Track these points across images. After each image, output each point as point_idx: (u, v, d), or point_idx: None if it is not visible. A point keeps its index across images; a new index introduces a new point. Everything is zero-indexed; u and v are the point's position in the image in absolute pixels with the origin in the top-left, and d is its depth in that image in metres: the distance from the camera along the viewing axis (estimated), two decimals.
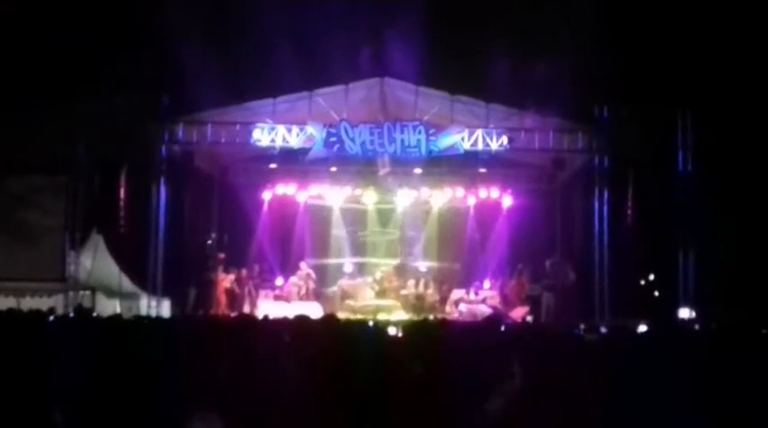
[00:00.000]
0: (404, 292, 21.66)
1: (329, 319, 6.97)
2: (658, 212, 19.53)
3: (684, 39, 19.87)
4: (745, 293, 18.58)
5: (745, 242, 19.54)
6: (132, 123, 18.65)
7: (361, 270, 22.94)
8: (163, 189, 19.18)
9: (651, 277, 21.04)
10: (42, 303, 17.81)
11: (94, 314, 15.86)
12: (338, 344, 5.73)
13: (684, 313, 18.67)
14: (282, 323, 7.73)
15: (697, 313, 18.43)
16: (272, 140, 19.29)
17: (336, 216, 23.14)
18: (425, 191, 22.47)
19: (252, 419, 5.27)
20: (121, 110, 18.34)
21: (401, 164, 20.49)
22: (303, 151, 19.51)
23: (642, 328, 13.55)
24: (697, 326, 16.14)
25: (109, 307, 18.76)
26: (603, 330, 14.42)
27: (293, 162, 20.49)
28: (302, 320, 6.77)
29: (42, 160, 19.18)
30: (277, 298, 21.13)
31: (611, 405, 5.32)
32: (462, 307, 20.82)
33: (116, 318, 11.75)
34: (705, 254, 18.96)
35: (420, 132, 19.19)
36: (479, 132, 19.18)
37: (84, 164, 19.09)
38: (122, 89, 18.55)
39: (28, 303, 17.81)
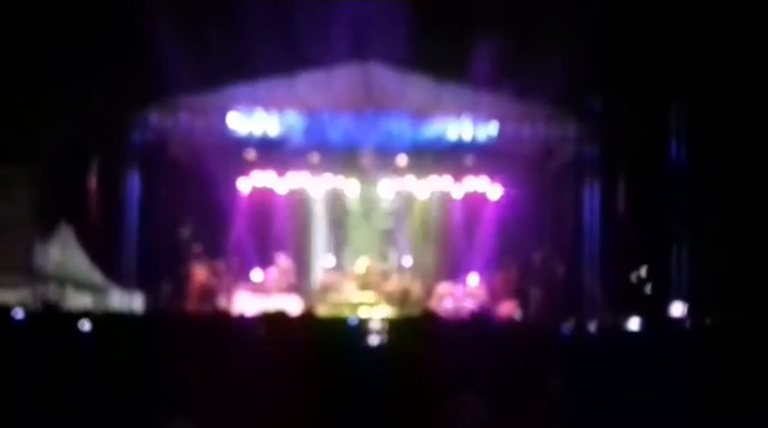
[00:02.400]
0: (387, 286, 21.25)
1: (306, 317, 6.65)
2: (650, 204, 19.42)
3: (677, 27, 19.78)
4: (739, 289, 18.49)
5: (739, 236, 19.53)
6: (104, 110, 18.28)
7: (342, 263, 22.46)
8: (135, 178, 18.81)
9: (643, 271, 20.84)
10: (7, 297, 17.14)
11: (63, 308, 15.51)
12: (316, 342, 5.69)
13: (677, 308, 18.51)
14: (258, 320, 7.48)
15: (689, 309, 18.25)
16: (250, 127, 19.00)
17: (317, 206, 22.66)
18: (410, 182, 22.02)
19: (227, 416, 5.50)
20: (92, 96, 18.00)
21: (385, 153, 20.20)
22: (282, 139, 19.22)
23: (633, 324, 13.39)
24: (689, 323, 16.10)
25: (78, 300, 18.19)
26: (593, 328, 14.32)
27: (272, 150, 20.06)
28: (278, 317, 6.57)
29: (8, 149, 18.70)
30: (255, 291, 20.64)
31: (598, 401, 5.75)
32: (448, 301, 20.45)
33: (85, 313, 11.39)
34: (699, 248, 18.89)
35: (405, 120, 18.98)
36: (467, 121, 18.98)
37: (53, 152, 18.70)
38: (94, 74, 18.07)
39: None
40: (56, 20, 18.48)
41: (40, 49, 18.56)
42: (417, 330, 5.84)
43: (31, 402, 5.09)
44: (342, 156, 20.79)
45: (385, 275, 21.70)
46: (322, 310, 19.25)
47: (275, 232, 22.13)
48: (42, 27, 18.40)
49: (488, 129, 18.95)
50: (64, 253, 19.02)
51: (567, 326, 12.13)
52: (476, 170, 21.47)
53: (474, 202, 22.04)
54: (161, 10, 17.44)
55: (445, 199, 22.56)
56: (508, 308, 19.77)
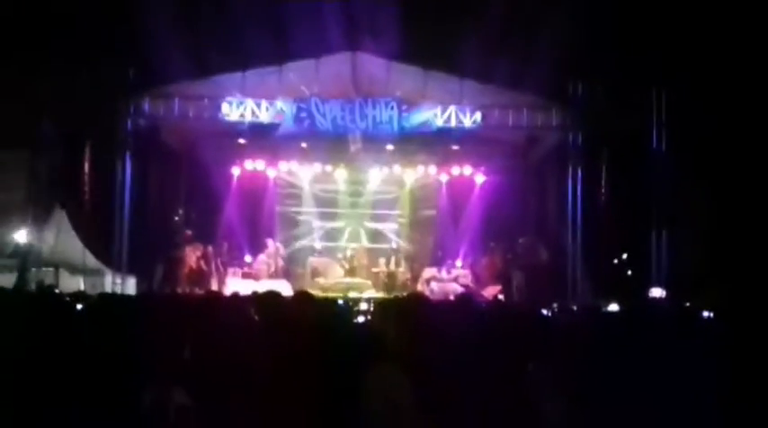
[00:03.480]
0: (374, 270, 21.58)
1: (301, 296, 6.77)
2: (632, 191, 19.50)
3: (660, 16, 19.79)
4: (717, 274, 18.62)
5: (718, 222, 19.57)
6: (97, 96, 18.22)
7: (331, 248, 22.71)
8: (128, 164, 18.82)
9: (624, 256, 20.99)
10: (3, 280, 17.36)
11: (57, 291, 15.56)
12: (309, 321, 5.71)
13: (656, 293, 18.56)
14: (250, 299, 7.61)
15: (668, 293, 18.33)
16: (241, 115, 19.09)
17: (306, 192, 22.89)
18: (397, 168, 22.29)
19: (219, 397, 5.32)
20: (86, 82, 17.91)
21: (373, 140, 20.28)
22: (273, 126, 19.30)
23: (613, 308, 13.59)
24: (668, 307, 16.12)
25: (73, 283, 18.42)
26: (575, 308, 14.35)
27: (263, 137, 20.20)
28: (272, 296, 6.66)
29: (3, 134, 18.72)
30: (245, 275, 20.87)
31: (582, 383, 5.30)
32: (434, 285, 20.68)
33: (79, 295, 11.55)
34: (678, 233, 18.92)
35: (392, 108, 19.09)
36: (452, 108, 19.11)
37: (47, 138, 18.73)
38: (87, 61, 18.13)
39: None
40: (51, 9, 18.43)
41: (35, 37, 18.52)
42: (403, 311, 5.93)
43: (30, 385, 5.23)
44: (331, 144, 20.92)
45: (372, 260, 22.01)
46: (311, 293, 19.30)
47: (265, 218, 22.38)
48: (38, 16, 18.35)
49: (473, 117, 19.08)
50: (58, 237, 19.14)
51: (549, 309, 12.34)
52: (461, 157, 21.68)
53: (459, 188, 22.32)
54: (155, 1, 17.45)
55: (431, 185, 22.83)
56: (492, 292, 19.99)
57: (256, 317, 6.46)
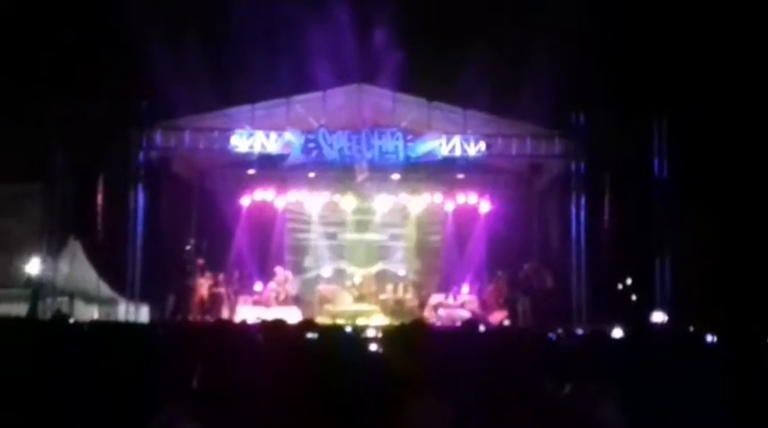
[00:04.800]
0: (383, 297, 21.70)
1: (307, 324, 6.97)
2: (635, 217, 19.64)
3: (661, 44, 20.06)
4: (719, 298, 18.75)
5: (720, 247, 19.70)
6: (110, 129, 18.59)
7: (339, 275, 22.88)
8: (141, 195, 19.06)
9: (628, 281, 21.08)
10: (18, 309, 17.55)
11: (72, 320, 15.76)
12: (316, 349, 5.78)
13: (658, 317, 18.69)
14: (260, 327, 7.73)
15: (670, 317, 18.46)
16: (251, 146, 19.33)
17: (315, 221, 23.07)
18: (403, 197, 22.48)
19: (229, 424, 5.21)
20: (99, 115, 18.22)
21: (379, 169, 20.51)
22: (281, 157, 19.56)
23: (617, 332, 13.73)
24: (671, 331, 16.18)
25: (87, 312, 18.65)
26: (580, 332, 14.47)
27: (272, 168, 20.49)
28: (279, 324, 6.78)
29: (18, 167, 19.10)
30: (256, 303, 21.03)
31: (585, 407, 5.45)
32: (441, 311, 20.82)
33: (95, 324, 11.71)
34: (681, 258, 19.03)
35: (398, 138, 19.32)
36: (457, 138, 19.32)
37: (61, 170, 18.89)
38: (100, 94, 18.49)
39: (3, 309, 17.49)
40: (66, 45, 18.72)
41: (50, 71, 18.81)
42: (410, 337, 6.01)
43: (40, 412, 5.36)
44: (338, 173, 21.25)
45: (380, 287, 22.15)
46: (320, 321, 19.41)
47: (275, 246, 22.60)
48: (52, 49, 18.64)
49: (478, 147, 19.29)
50: (72, 266, 19.35)
51: (555, 334, 12.48)
52: (466, 185, 21.87)
53: (465, 216, 22.47)
54: (166, 35, 17.76)
55: (437, 213, 23.01)
56: (499, 318, 20.19)
57: (263, 344, 6.55)
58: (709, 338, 7.58)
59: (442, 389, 4.96)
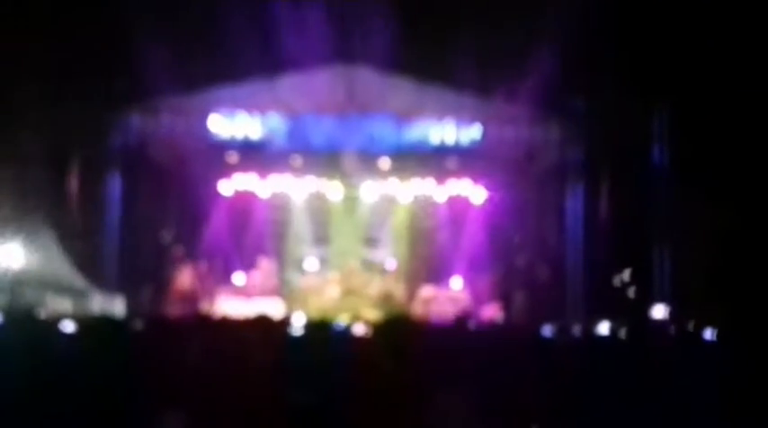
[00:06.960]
0: (370, 289, 21.18)
1: (287, 321, 6.65)
2: (634, 207, 19.42)
3: (660, 30, 19.80)
4: (721, 291, 18.55)
5: (721, 238, 19.53)
6: (84, 112, 18.01)
7: (325, 266, 22.43)
8: (116, 181, 18.80)
9: (626, 274, 20.90)
10: None
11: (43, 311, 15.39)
12: (297, 346, 5.70)
13: (659, 311, 18.47)
14: (242, 323, 7.52)
15: (671, 311, 18.23)
16: (232, 130, 19.05)
17: (299, 209, 22.59)
18: (393, 185, 21.99)
19: (209, 418, 5.45)
20: (73, 98, 17.73)
21: (368, 156, 20.17)
22: (264, 142, 19.25)
23: (614, 328, 13.35)
24: (672, 326, 16.11)
25: (59, 304, 18.05)
26: (575, 331, 14.36)
27: (253, 153, 20.03)
28: (260, 321, 6.60)
29: None
30: (237, 293, 20.60)
31: (579, 406, 5.57)
32: (431, 305, 20.30)
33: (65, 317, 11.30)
34: (681, 250, 18.86)
35: (388, 123, 19.06)
36: (450, 123, 19.08)
37: (34, 155, 18.30)
38: (74, 76, 17.90)
39: None
40: (39, 21, 18.30)
41: (21, 50, 18.37)
42: (398, 334, 5.80)
43: (17, 407, 5.07)
44: (324, 159, 20.73)
45: (367, 279, 21.65)
46: (305, 313, 19.23)
47: (257, 235, 22.11)
48: (25, 28, 18.21)
49: (471, 132, 19.03)
50: (44, 256, 18.85)
51: (550, 329, 12.14)
52: (459, 173, 21.43)
53: (457, 205, 22.06)
54: (142, 12, 17.31)
55: (428, 202, 22.55)
56: (491, 311, 19.77)
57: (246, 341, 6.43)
58: (709, 336, 7.55)
59: (430, 389, 5.09)
